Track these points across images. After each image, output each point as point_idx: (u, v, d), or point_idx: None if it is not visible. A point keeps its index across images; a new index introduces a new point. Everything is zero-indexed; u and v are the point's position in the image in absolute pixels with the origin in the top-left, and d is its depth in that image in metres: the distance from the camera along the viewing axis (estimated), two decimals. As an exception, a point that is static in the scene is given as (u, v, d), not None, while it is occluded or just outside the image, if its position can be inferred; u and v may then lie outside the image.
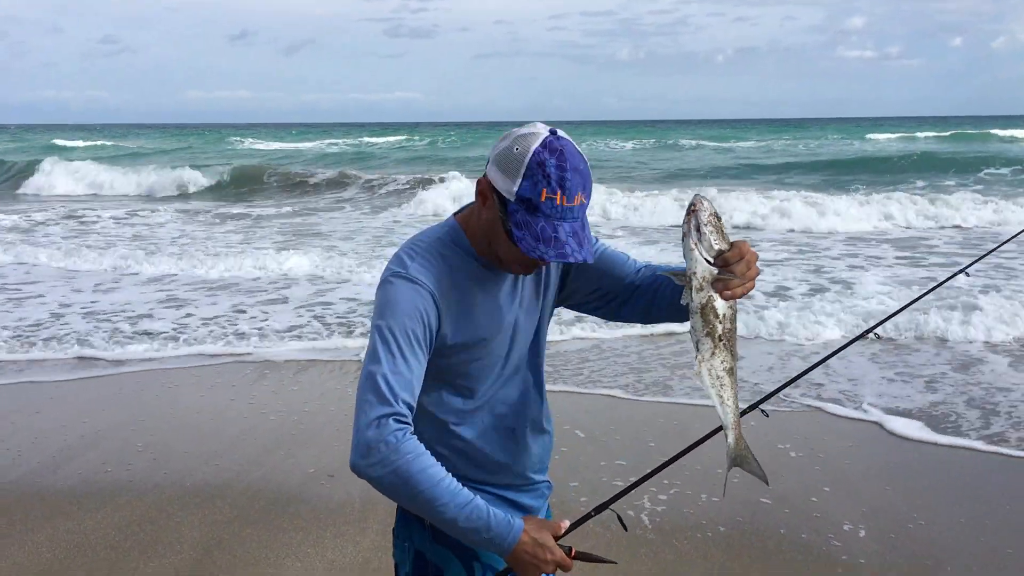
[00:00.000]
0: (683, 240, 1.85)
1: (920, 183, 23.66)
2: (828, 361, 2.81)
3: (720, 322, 1.86)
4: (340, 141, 56.88)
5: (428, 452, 1.86)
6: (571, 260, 1.85)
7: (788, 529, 4.48)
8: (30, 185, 29.28)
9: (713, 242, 1.83)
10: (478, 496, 1.88)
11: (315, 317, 9.33)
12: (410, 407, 1.88)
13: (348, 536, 4.44)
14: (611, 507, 2.07)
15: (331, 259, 12.75)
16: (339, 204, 23.36)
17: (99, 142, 57.64)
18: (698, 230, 1.82)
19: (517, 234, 1.84)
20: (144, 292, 10.90)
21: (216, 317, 9.42)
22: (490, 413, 2.07)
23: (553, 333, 5.99)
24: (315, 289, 10.89)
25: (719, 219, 1.85)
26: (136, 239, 16.28)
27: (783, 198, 18.34)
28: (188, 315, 9.52)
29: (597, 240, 2.18)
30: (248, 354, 7.98)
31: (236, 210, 21.83)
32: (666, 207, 18.78)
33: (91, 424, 6.15)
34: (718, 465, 5.27)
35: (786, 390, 2.49)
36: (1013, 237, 4.37)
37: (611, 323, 6.89)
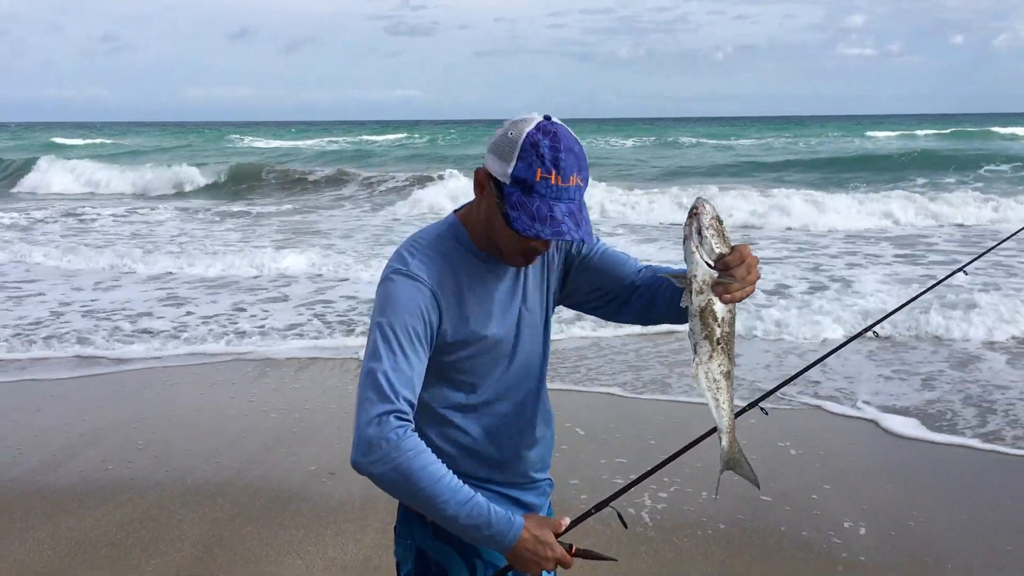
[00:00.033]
0: (684, 243, 1.85)
1: (920, 181, 23.66)
2: (826, 359, 2.81)
3: (719, 325, 1.87)
4: (340, 139, 56.87)
5: (429, 449, 1.87)
6: (567, 238, 1.84)
7: (788, 527, 4.49)
8: (26, 183, 29.24)
9: (714, 245, 1.83)
10: (479, 494, 1.89)
11: (315, 315, 9.34)
12: (411, 404, 1.88)
13: (349, 534, 4.45)
14: (611, 504, 2.08)
15: (329, 257, 12.77)
16: (338, 202, 23.37)
17: (98, 140, 57.63)
18: (699, 233, 1.83)
19: (512, 215, 1.85)
20: (144, 290, 10.91)
21: (216, 315, 9.42)
22: (492, 410, 2.07)
23: (554, 332, 5.98)
24: (315, 287, 10.89)
25: (721, 222, 1.85)
26: (135, 237, 16.29)
27: (782, 196, 18.33)
28: (188, 313, 9.53)
29: (598, 240, 2.19)
30: (249, 352, 7.99)
31: (235, 208, 21.85)
32: (665, 205, 18.80)
33: (92, 422, 6.16)
34: (717, 463, 5.28)
35: (784, 388, 2.50)
36: (1012, 235, 4.38)
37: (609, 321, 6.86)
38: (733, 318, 1.89)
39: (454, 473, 1.89)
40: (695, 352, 1.89)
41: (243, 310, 9.67)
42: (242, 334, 8.58)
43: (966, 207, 17.30)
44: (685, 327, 1.93)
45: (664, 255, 13.16)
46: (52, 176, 29.64)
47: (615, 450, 5.51)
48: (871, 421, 6.02)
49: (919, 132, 52.26)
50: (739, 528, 4.47)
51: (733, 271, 1.83)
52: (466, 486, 1.88)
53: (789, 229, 16.06)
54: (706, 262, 1.83)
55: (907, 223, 16.47)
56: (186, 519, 4.64)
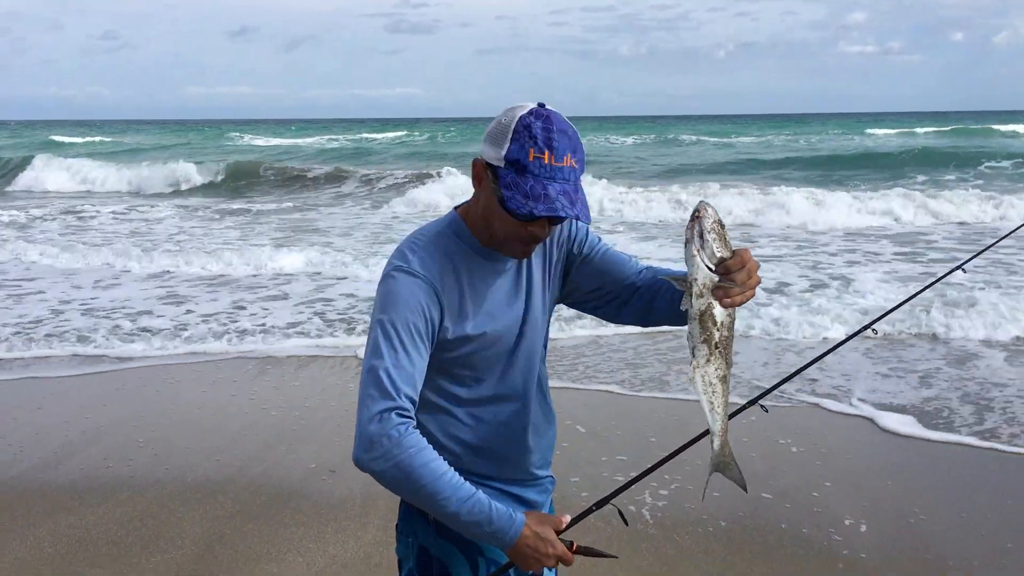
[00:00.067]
0: (686, 246, 1.85)
1: (920, 178, 23.66)
2: (825, 357, 2.81)
3: (718, 329, 1.87)
4: (340, 137, 56.89)
5: (430, 446, 1.87)
6: (562, 215, 1.84)
7: (789, 524, 4.49)
8: (21, 182, 29.19)
9: (715, 249, 1.83)
10: (480, 491, 1.89)
11: (315, 313, 9.34)
12: (412, 401, 1.88)
13: (350, 531, 4.45)
14: (612, 502, 2.08)
15: (328, 255, 12.76)
16: (336, 200, 23.38)
17: (97, 138, 57.60)
18: (701, 236, 1.82)
19: (506, 195, 1.85)
20: (144, 288, 10.91)
21: (216, 313, 9.42)
22: (494, 406, 2.08)
23: (554, 330, 6.01)
24: (314, 285, 10.89)
25: (723, 226, 1.85)
26: (134, 235, 16.29)
27: (782, 193, 18.33)
28: (188, 311, 9.53)
29: (600, 240, 2.19)
30: (249, 350, 7.99)
31: (233, 206, 21.85)
32: (665, 203, 18.80)
33: (92, 420, 6.16)
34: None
35: (783, 386, 2.50)
36: (1010, 233, 4.37)
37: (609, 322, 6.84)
38: (732, 322, 1.89)
39: (455, 469, 1.89)
40: (693, 355, 1.89)
41: (243, 308, 9.67)
42: (242, 332, 8.58)
43: (966, 205, 17.29)
44: (684, 328, 1.93)
45: (663, 253, 13.16)
46: (48, 174, 29.60)
47: (615, 448, 5.51)
48: (870, 419, 6.02)
49: (919, 129, 52.27)
50: (740, 525, 4.47)
51: (734, 275, 1.83)
52: (467, 483, 1.88)
53: (789, 227, 16.05)
54: (707, 266, 1.83)
55: (907, 221, 16.46)
56: (187, 517, 4.65)
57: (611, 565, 4.00)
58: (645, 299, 2.13)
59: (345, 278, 11.25)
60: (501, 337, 2.04)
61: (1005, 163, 25.71)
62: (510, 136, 1.85)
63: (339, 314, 9.30)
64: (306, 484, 5.04)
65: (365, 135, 59.41)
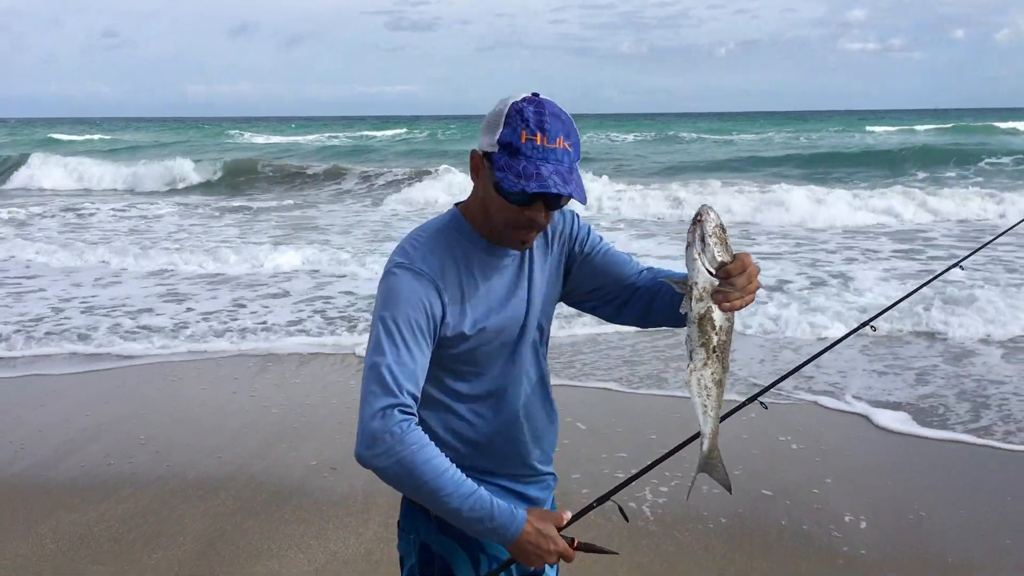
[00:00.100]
0: (687, 249, 1.86)
1: (920, 175, 23.66)
2: (823, 354, 2.82)
3: (716, 333, 1.87)
4: (340, 134, 56.89)
5: (432, 443, 1.88)
6: (552, 191, 1.84)
7: (789, 520, 4.50)
8: (16, 180, 29.12)
9: (716, 253, 1.83)
10: (482, 487, 1.90)
11: (316, 311, 9.35)
12: (415, 398, 1.89)
13: (351, 528, 4.46)
14: (612, 498, 2.09)
15: (326, 252, 12.77)
16: (335, 198, 23.40)
17: (96, 136, 57.58)
18: (703, 240, 1.83)
19: (499, 176, 1.87)
20: (144, 286, 10.91)
21: (216, 311, 9.43)
22: (496, 402, 2.08)
23: (553, 328, 5.98)
24: (314, 283, 10.90)
25: (724, 231, 1.85)
26: (133, 233, 16.30)
27: (781, 191, 18.33)
28: (189, 309, 9.54)
29: (601, 239, 2.20)
30: (249, 348, 8.00)
31: (232, 204, 21.86)
32: (665, 201, 18.80)
33: (93, 417, 6.17)
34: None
35: (781, 383, 2.51)
36: (1009, 230, 4.39)
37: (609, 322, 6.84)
38: (731, 327, 1.90)
39: (457, 465, 1.90)
40: (690, 358, 1.90)
41: (243, 306, 9.68)
42: (243, 330, 8.59)
43: (966, 202, 17.29)
44: (683, 330, 1.94)
45: (663, 250, 13.16)
46: (44, 172, 29.54)
47: (616, 445, 5.52)
48: (869, 417, 6.02)
49: (920, 127, 52.25)
50: (740, 522, 4.48)
51: (734, 280, 1.84)
52: (469, 480, 1.89)
53: (788, 225, 16.04)
54: (707, 269, 1.84)
55: (906, 219, 16.45)
56: (188, 514, 4.66)
57: (612, 562, 4.01)
58: (644, 300, 2.14)
59: (344, 276, 11.23)
60: (502, 332, 2.04)
61: (1005, 159, 25.68)
62: (503, 121, 1.88)
63: (339, 312, 9.31)
64: (307, 481, 5.04)
65: (365, 132, 59.40)
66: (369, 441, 1.83)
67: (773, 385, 2.53)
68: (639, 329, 7.95)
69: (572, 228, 2.16)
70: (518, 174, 1.84)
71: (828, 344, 2.83)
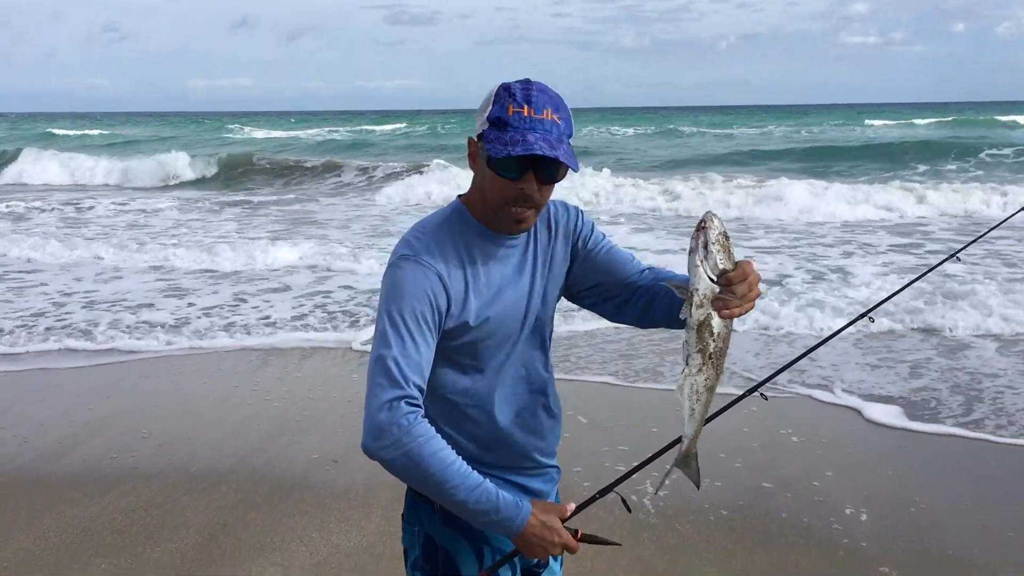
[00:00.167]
0: (689, 255, 1.86)
1: (921, 168, 23.63)
2: (821, 347, 2.82)
3: (714, 340, 1.88)
4: (341, 129, 56.84)
5: (439, 435, 1.89)
6: (539, 153, 1.85)
7: (790, 513, 4.51)
8: (8, 175, 29.02)
9: (719, 260, 1.84)
10: (487, 480, 1.91)
11: (316, 306, 9.35)
12: (421, 390, 1.90)
13: (353, 521, 4.48)
14: (615, 490, 2.10)
15: (324, 246, 12.78)
16: (330, 192, 23.40)
17: (96, 131, 57.50)
18: (705, 247, 1.84)
19: (488, 148, 1.90)
20: (145, 281, 10.92)
21: (218, 306, 9.44)
22: (499, 394, 2.08)
23: (556, 323, 5.98)
24: (315, 277, 10.90)
25: (727, 238, 1.86)
26: (132, 227, 16.31)
27: (781, 185, 18.30)
28: (190, 304, 9.54)
29: (604, 237, 2.21)
30: (251, 342, 8.01)
31: (228, 199, 21.86)
32: (666, 195, 18.79)
33: (95, 412, 6.18)
34: (720, 450, 5.32)
35: (777, 377, 2.51)
36: (1005, 220, 4.39)
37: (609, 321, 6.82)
38: (729, 334, 1.91)
39: (461, 458, 1.90)
40: (686, 363, 1.92)
41: (244, 301, 9.69)
42: (244, 324, 8.60)
43: (965, 195, 17.26)
44: (680, 330, 1.95)
45: (662, 244, 13.16)
46: (38, 167, 29.46)
47: (616, 438, 5.53)
48: (860, 411, 6.02)
49: (920, 120, 52.19)
50: (741, 515, 4.49)
51: (735, 288, 1.85)
52: (475, 472, 1.89)
53: (787, 218, 16.02)
54: (709, 276, 1.85)
55: (905, 212, 16.43)
56: (190, 507, 4.67)
57: (614, 554, 4.03)
58: (644, 300, 2.15)
59: (341, 271, 11.19)
60: (504, 324, 2.05)
61: (1007, 150, 25.62)
62: (492, 100, 1.92)
63: (340, 306, 9.31)
64: (309, 474, 5.06)
65: (365, 127, 59.32)
66: (376, 433, 1.84)
67: (774, 376, 2.53)
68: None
69: (576, 223, 2.17)
70: (505, 143, 1.87)
71: (826, 336, 2.83)
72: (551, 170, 1.93)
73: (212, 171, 27.89)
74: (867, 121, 53.11)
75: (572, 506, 2.00)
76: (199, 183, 26.60)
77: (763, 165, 25.96)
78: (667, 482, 2.10)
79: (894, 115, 63.49)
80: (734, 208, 16.98)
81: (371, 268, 11.00)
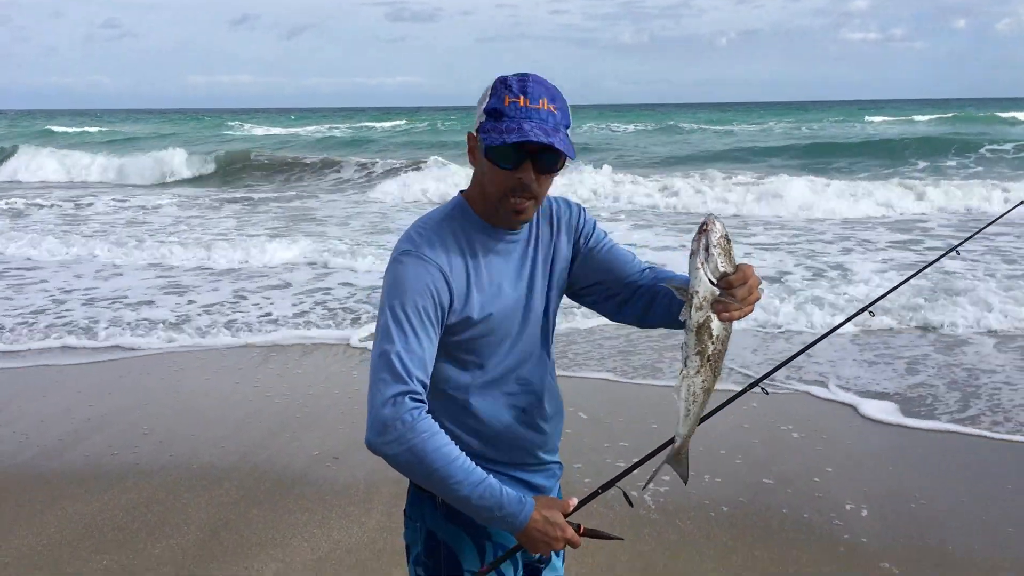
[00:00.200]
0: (690, 257, 1.87)
1: (921, 164, 23.62)
2: (819, 345, 2.82)
3: (712, 342, 1.89)
4: (341, 125, 56.80)
5: (442, 431, 1.89)
6: (533, 139, 1.86)
7: (790, 509, 4.51)
8: (3, 172, 28.98)
9: (719, 264, 1.85)
10: (491, 475, 1.91)
11: (317, 303, 9.36)
12: (424, 385, 1.90)
13: (353, 517, 4.48)
14: (617, 484, 2.10)
15: (323, 243, 12.77)
16: (328, 189, 23.39)
17: (95, 128, 57.45)
18: (707, 250, 1.85)
19: (484, 138, 1.91)
20: (145, 278, 10.92)
21: (218, 303, 9.44)
22: (501, 390, 2.09)
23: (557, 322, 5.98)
24: (314, 274, 10.91)
25: (729, 242, 1.87)
26: (131, 224, 16.31)
27: (780, 182, 18.29)
28: (190, 302, 9.55)
29: (606, 235, 2.21)
30: (252, 339, 8.01)
31: (226, 196, 21.86)
32: (665, 191, 18.79)
33: (96, 408, 6.19)
34: (720, 446, 5.32)
35: (775, 373, 2.52)
36: (1004, 214, 4.39)
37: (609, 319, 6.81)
38: (727, 337, 1.92)
39: (464, 454, 1.91)
40: (684, 364, 1.92)
41: (244, 298, 9.69)
42: (244, 321, 8.60)
43: (966, 192, 17.24)
44: (679, 330, 1.95)
45: (661, 241, 13.14)
46: (35, 164, 29.42)
47: (617, 434, 5.53)
48: (856, 407, 6.03)
49: (921, 117, 52.15)
50: (742, 511, 4.50)
51: (735, 291, 1.85)
52: (479, 468, 1.90)
53: (787, 215, 16.01)
54: (709, 279, 1.85)
55: (905, 209, 16.42)
56: (192, 503, 4.68)
57: (614, 550, 4.04)
58: (644, 300, 2.16)
59: (340, 269, 11.19)
60: (505, 320, 2.05)
61: (1007, 146, 25.59)
62: (489, 93, 1.94)
63: (340, 303, 9.32)
64: (310, 471, 5.06)
65: (365, 124, 59.30)
66: (380, 428, 1.84)
67: (775, 370, 2.54)
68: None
69: (579, 221, 2.17)
70: (500, 132, 1.88)
71: (827, 330, 2.84)
72: (549, 160, 1.93)
73: (210, 168, 27.86)
74: (867, 118, 53.10)
75: (574, 501, 2.00)
76: (197, 180, 26.59)
77: (763, 162, 25.95)
78: (656, 478, 2.10)
79: (894, 112, 63.44)
80: (734, 205, 16.97)
81: (370, 265, 11.03)
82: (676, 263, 10.41)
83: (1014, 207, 4.38)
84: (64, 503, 4.69)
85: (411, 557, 2.18)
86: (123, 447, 5.46)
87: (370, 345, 7.82)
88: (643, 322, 2.19)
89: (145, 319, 8.69)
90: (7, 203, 19.67)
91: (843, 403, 6.10)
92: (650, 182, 19.69)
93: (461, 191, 2.09)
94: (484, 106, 1.94)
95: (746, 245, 12.43)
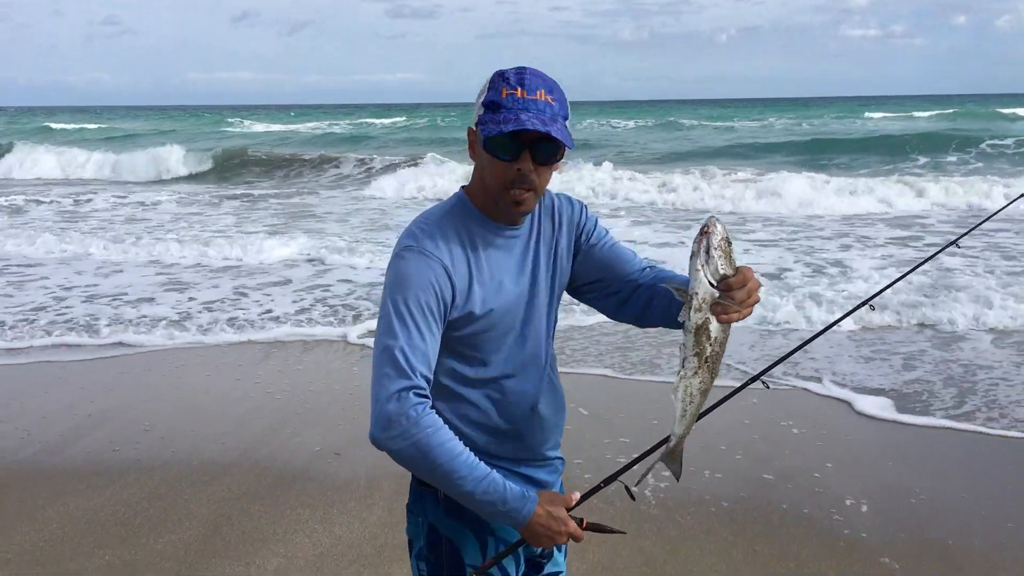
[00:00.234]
0: (691, 259, 1.88)
1: (921, 160, 23.61)
2: (816, 341, 2.83)
3: (710, 344, 1.90)
4: (342, 122, 56.79)
5: (447, 426, 1.90)
6: (529, 127, 1.87)
7: (791, 504, 4.53)
8: (0, 168, 29.01)
9: (719, 266, 1.86)
10: (495, 471, 1.92)
11: (317, 300, 9.36)
12: (428, 380, 1.91)
13: (355, 512, 4.50)
14: (619, 479, 2.11)
15: (323, 240, 12.78)
16: (327, 186, 23.39)
17: (94, 125, 57.40)
18: (707, 252, 1.85)
19: (482, 129, 1.93)
20: (145, 275, 10.93)
21: (218, 300, 9.45)
22: (502, 386, 2.09)
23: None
24: (314, 271, 10.91)
25: (730, 244, 1.87)
26: (130, 222, 16.31)
27: (780, 178, 18.27)
28: (191, 299, 9.55)
29: (607, 232, 2.22)
30: (252, 335, 8.02)
31: (223, 193, 21.85)
32: (664, 188, 18.78)
33: (98, 404, 6.20)
34: (721, 442, 5.33)
35: (774, 369, 2.52)
36: (1004, 207, 4.40)
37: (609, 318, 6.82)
38: (726, 339, 1.93)
39: (468, 449, 1.91)
40: (682, 365, 1.93)
41: (245, 295, 9.70)
42: (245, 318, 8.61)
43: (966, 187, 17.22)
44: (678, 330, 1.96)
45: (660, 237, 13.14)
46: (30, 160, 29.35)
47: (617, 430, 5.55)
48: (859, 402, 6.04)
49: (922, 113, 52.12)
50: (742, 506, 4.51)
51: (734, 293, 1.86)
52: (482, 463, 1.91)
53: (786, 211, 16.00)
54: (709, 281, 1.86)
55: (904, 206, 16.40)
56: (193, 499, 4.69)
57: (615, 546, 4.05)
58: (644, 298, 2.16)
59: (340, 266, 11.20)
60: (508, 315, 2.06)
61: (1008, 140, 25.55)
62: (487, 87, 1.95)
63: (340, 299, 9.33)
64: (311, 466, 5.08)
65: (365, 120, 59.28)
66: (384, 423, 1.85)
67: (777, 364, 2.55)
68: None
69: (580, 217, 2.18)
70: (498, 122, 1.89)
71: (828, 324, 2.85)
72: (547, 150, 1.94)
73: (207, 165, 27.81)
74: (867, 114, 53.06)
75: (577, 495, 2.01)
76: (195, 177, 26.56)
77: (764, 158, 25.92)
78: (655, 474, 2.12)
79: (895, 108, 63.41)
80: (730, 201, 16.96)
81: (369, 262, 11.05)
82: (676, 260, 10.45)
83: (1014, 200, 4.38)
84: (66, 499, 4.71)
85: (413, 552, 2.19)
86: (125, 443, 5.47)
87: (368, 341, 7.80)
88: (642, 321, 2.20)
89: (145, 316, 8.69)
90: (7, 200, 19.65)
91: (839, 399, 6.11)
92: (651, 178, 19.70)
93: (463, 186, 2.10)
94: (482, 99, 1.95)
95: (745, 242, 12.44)
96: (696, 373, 1.92)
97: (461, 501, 1.94)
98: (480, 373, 2.07)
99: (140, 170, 27.43)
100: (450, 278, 1.95)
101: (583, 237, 2.18)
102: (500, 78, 1.94)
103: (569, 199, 2.20)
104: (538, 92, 1.91)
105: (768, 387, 2.42)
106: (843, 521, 4.35)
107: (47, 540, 4.29)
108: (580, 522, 1.98)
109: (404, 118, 59.83)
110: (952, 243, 3.50)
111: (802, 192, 16.94)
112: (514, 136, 1.90)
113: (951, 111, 51.52)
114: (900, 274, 3.28)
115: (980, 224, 3.98)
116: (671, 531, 4.29)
